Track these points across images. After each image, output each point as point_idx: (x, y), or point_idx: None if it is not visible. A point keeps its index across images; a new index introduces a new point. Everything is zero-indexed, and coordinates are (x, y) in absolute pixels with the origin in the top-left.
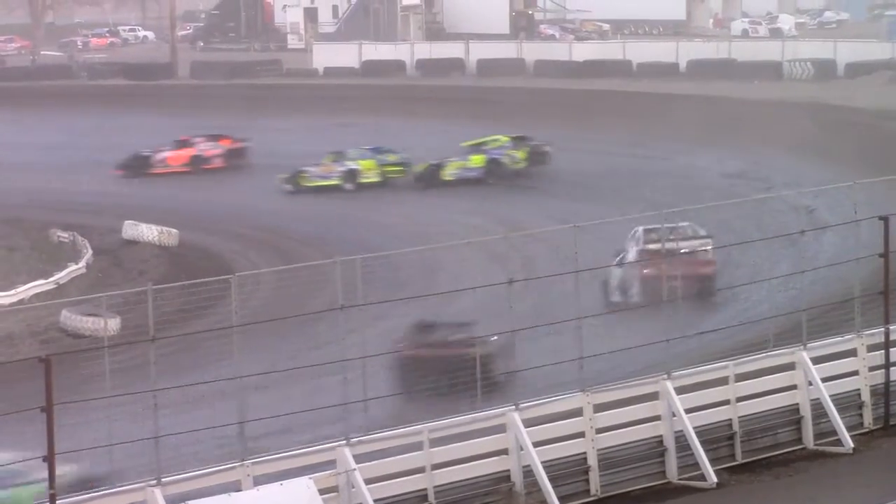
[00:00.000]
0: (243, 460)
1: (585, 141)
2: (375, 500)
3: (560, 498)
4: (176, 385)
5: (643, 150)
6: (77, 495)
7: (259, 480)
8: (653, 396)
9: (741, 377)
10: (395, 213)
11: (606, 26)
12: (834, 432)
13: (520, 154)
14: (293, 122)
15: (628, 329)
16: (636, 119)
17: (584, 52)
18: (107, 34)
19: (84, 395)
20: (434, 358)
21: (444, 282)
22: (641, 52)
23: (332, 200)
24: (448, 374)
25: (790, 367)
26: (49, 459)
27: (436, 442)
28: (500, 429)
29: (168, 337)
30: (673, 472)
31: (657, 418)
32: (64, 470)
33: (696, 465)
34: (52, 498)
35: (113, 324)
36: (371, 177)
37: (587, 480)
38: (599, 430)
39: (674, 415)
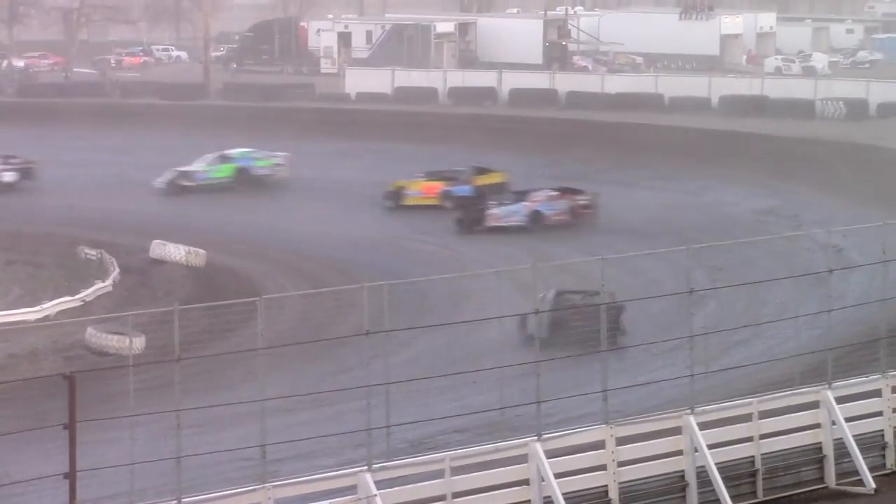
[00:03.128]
0: (265, 483)
1: (615, 174)
2: None
3: None
4: (199, 406)
5: (673, 184)
6: None
7: (280, 503)
8: (676, 431)
9: (765, 414)
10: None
11: (639, 60)
12: (856, 472)
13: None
14: (326, 146)
15: (652, 364)
16: (666, 153)
17: (616, 84)
18: (140, 53)
19: (107, 413)
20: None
21: (470, 310)
22: (674, 86)
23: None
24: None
25: (814, 405)
26: (70, 477)
27: (457, 470)
28: (522, 459)
29: (193, 357)
30: None
31: (679, 453)
32: None
33: (716, 502)
34: None
35: (138, 343)
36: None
37: None
38: (621, 463)
39: (696, 450)
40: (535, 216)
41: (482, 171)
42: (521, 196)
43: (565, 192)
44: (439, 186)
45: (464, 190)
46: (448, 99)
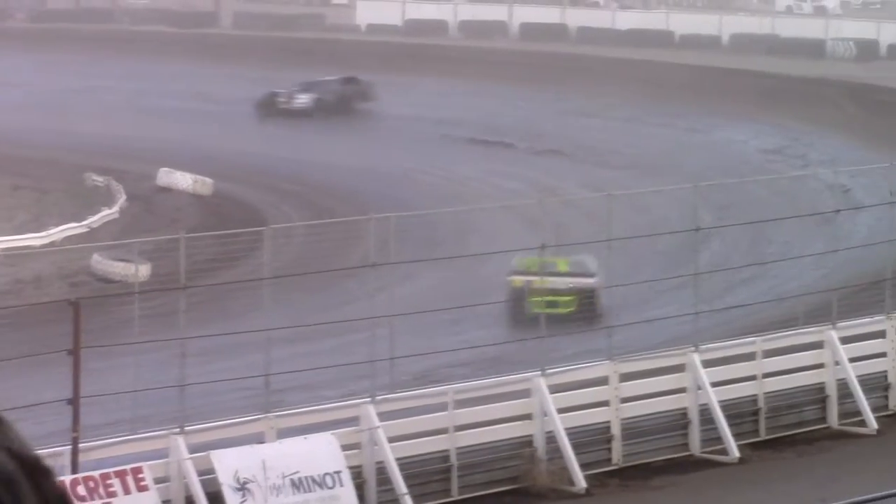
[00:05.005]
0: (267, 413)
1: (624, 110)
2: (397, 459)
3: (581, 465)
4: (204, 334)
5: (681, 122)
6: (99, 439)
7: (283, 433)
8: (679, 368)
9: (769, 353)
10: None
11: None
12: (859, 413)
13: None
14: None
15: (658, 301)
16: (676, 90)
17: (627, 20)
18: None
19: (112, 340)
20: None
21: (476, 243)
22: (684, 23)
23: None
24: None
25: (818, 345)
26: (74, 403)
27: (460, 403)
28: (525, 393)
29: (198, 286)
30: (696, 445)
31: (683, 390)
32: None
33: (719, 439)
34: (75, 441)
35: (144, 270)
36: None
37: (609, 449)
38: (624, 400)
39: (699, 388)
40: None
41: None
42: None
43: None
44: None
45: None
46: (458, 32)
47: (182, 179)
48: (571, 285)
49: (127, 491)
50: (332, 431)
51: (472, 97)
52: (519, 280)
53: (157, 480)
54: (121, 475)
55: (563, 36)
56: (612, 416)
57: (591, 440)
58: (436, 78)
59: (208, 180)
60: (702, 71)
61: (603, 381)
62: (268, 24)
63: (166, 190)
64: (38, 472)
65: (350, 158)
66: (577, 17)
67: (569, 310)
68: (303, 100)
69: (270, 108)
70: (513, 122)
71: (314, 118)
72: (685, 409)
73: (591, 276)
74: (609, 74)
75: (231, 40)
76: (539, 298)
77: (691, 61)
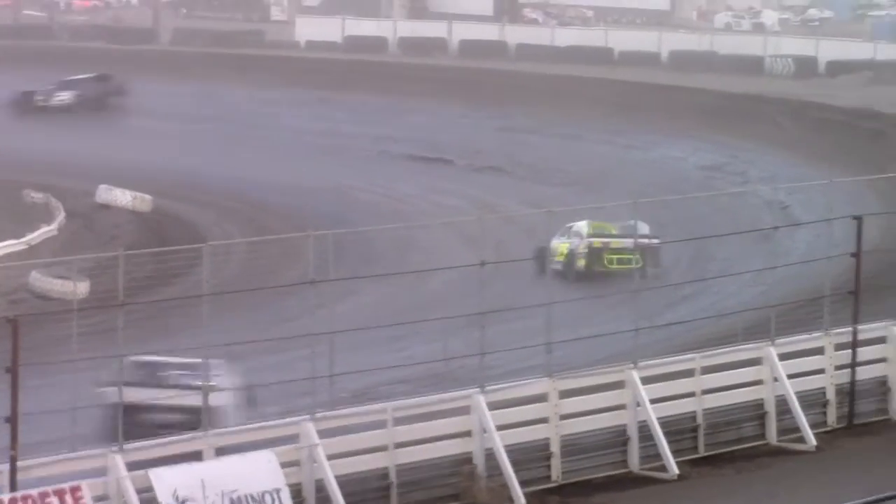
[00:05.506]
0: (206, 431)
1: (563, 126)
2: (337, 476)
3: (521, 482)
4: (143, 352)
5: (621, 139)
6: (37, 458)
7: (221, 451)
8: (618, 385)
9: (707, 370)
10: None
11: (590, 13)
12: (797, 429)
13: None
14: (273, 94)
15: (597, 316)
16: (615, 107)
17: (566, 37)
18: None
19: (50, 357)
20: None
21: (416, 260)
22: (624, 40)
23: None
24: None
25: (757, 362)
26: (12, 421)
27: (400, 421)
28: (465, 410)
29: (137, 303)
30: (635, 462)
31: (622, 407)
32: None
33: (658, 456)
34: (13, 460)
35: (82, 287)
36: None
37: (549, 466)
38: (564, 417)
39: (638, 404)
40: None
41: None
42: None
43: None
44: None
45: None
46: (398, 49)
47: (121, 196)
48: (637, 244)
49: None
50: (271, 449)
51: (410, 114)
52: (598, 241)
53: (97, 499)
54: (60, 493)
55: (503, 53)
56: (552, 433)
57: (530, 457)
58: (375, 94)
59: (147, 197)
60: (641, 88)
61: (542, 397)
62: (207, 40)
63: (105, 207)
64: None
65: (288, 175)
66: (516, 35)
67: (640, 265)
68: (63, 97)
69: (27, 105)
70: (452, 139)
71: (74, 113)
72: (624, 425)
73: (655, 236)
74: (548, 91)
75: (170, 56)
76: (614, 256)
77: (630, 78)
